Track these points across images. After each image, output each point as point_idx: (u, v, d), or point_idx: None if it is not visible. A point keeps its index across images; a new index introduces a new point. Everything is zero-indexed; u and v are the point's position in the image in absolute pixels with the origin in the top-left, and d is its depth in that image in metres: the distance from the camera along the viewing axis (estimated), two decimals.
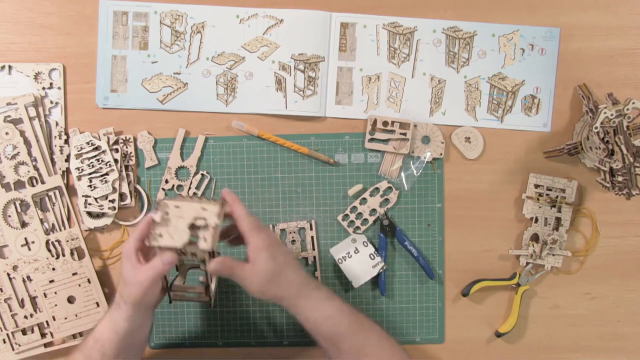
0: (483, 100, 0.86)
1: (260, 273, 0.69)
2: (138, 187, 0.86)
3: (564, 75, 0.86)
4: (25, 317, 0.84)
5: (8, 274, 0.84)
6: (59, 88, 0.85)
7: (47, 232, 0.84)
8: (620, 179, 0.77)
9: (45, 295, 0.84)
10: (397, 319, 0.87)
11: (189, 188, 0.86)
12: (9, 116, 0.83)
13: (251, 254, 0.70)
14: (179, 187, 0.86)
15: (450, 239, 0.87)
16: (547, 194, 0.85)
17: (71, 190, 0.85)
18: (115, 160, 0.84)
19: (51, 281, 0.84)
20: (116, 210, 0.84)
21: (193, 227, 0.67)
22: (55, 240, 0.84)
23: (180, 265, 0.76)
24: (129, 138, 0.85)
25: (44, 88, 0.85)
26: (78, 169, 0.83)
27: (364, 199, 0.86)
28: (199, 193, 0.86)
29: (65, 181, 0.85)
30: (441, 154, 0.86)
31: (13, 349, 0.84)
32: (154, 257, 0.69)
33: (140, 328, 0.73)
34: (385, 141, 0.86)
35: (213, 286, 0.75)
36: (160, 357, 0.87)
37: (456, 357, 0.88)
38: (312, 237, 0.86)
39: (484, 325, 0.88)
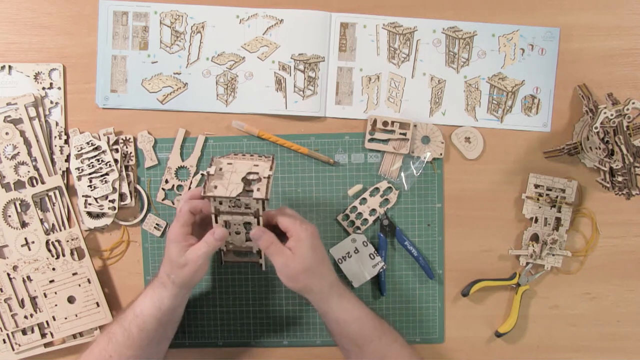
0: (483, 100, 0.86)
1: (298, 262, 0.71)
2: (138, 187, 0.86)
3: (564, 75, 0.86)
4: (25, 317, 0.84)
5: (8, 274, 0.84)
6: (59, 88, 0.85)
7: (47, 232, 0.84)
8: (620, 179, 0.77)
9: (45, 295, 0.84)
10: (397, 319, 0.87)
11: (189, 188, 0.86)
12: (9, 116, 0.83)
13: (292, 243, 0.72)
14: (179, 187, 0.86)
15: (450, 239, 0.87)
16: (547, 194, 0.85)
17: (71, 190, 0.85)
18: (115, 160, 0.84)
19: (51, 281, 0.84)
20: (116, 210, 0.84)
21: (246, 181, 0.69)
22: (55, 240, 0.84)
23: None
24: (129, 138, 0.85)
25: (44, 88, 0.85)
26: (78, 169, 0.83)
27: (364, 199, 0.86)
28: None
29: (65, 181, 0.85)
30: (441, 154, 0.86)
31: (13, 349, 0.84)
32: (203, 238, 0.72)
33: (181, 305, 0.77)
34: (385, 141, 0.86)
35: None
36: None
37: (456, 357, 0.88)
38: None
39: (484, 325, 0.88)
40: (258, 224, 0.72)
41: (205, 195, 0.69)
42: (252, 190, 0.69)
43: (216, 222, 0.73)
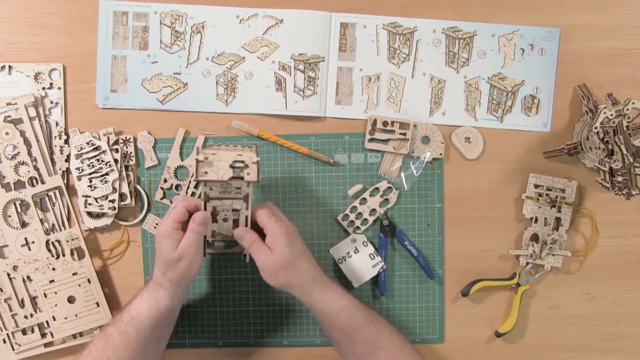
0: (483, 100, 0.86)
1: (276, 258, 0.72)
2: (138, 187, 0.86)
3: (563, 75, 0.86)
4: (25, 317, 0.84)
5: (8, 274, 0.84)
6: (59, 88, 0.85)
7: (47, 232, 0.84)
8: (620, 179, 0.77)
9: (45, 295, 0.84)
10: (397, 319, 0.87)
11: (187, 187, 0.86)
12: (9, 116, 0.83)
13: (269, 240, 0.73)
14: (177, 186, 0.86)
15: (450, 239, 0.87)
16: (547, 194, 0.85)
17: (71, 190, 0.85)
18: (115, 160, 0.84)
19: (51, 281, 0.84)
20: (116, 210, 0.84)
21: (233, 168, 0.71)
22: (55, 240, 0.84)
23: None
24: (129, 138, 0.85)
25: (44, 88, 0.85)
26: (78, 169, 0.83)
27: (364, 199, 0.86)
28: (197, 193, 0.86)
29: (65, 181, 0.85)
30: (441, 154, 0.86)
31: (13, 349, 0.84)
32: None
33: (179, 304, 0.78)
34: (385, 141, 0.86)
35: None
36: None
37: (456, 357, 0.88)
38: (247, 217, 0.77)
39: (484, 325, 0.88)
40: (247, 208, 0.74)
41: (198, 180, 0.70)
42: (241, 177, 0.70)
43: (205, 208, 0.74)
